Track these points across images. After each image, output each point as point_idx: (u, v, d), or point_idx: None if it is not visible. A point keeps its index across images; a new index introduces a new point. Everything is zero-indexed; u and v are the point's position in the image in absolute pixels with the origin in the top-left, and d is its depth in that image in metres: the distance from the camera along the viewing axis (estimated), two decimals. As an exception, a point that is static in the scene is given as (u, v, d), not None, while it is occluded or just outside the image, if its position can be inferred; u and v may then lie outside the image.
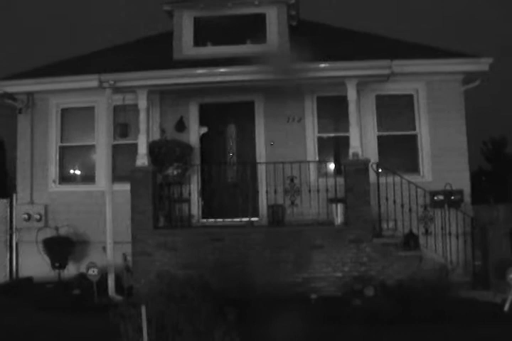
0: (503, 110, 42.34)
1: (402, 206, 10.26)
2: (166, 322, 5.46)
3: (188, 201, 11.26)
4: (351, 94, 10.32)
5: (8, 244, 12.61)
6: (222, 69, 10.55)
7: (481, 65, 11.43)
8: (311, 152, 11.89)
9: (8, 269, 12.54)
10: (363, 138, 11.45)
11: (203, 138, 12.25)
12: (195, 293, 6.04)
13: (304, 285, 9.78)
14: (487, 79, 12.09)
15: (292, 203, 10.88)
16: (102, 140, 11.98)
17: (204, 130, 12.25)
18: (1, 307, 9.88)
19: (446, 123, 11.73)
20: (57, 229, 11.86)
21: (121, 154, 11.86)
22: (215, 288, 8.29)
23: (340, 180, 10.40)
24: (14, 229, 12.57)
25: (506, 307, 8.35)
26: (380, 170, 10.66)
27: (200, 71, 10.57)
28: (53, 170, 12.62)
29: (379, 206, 10.38)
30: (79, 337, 7.49)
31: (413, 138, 11.90)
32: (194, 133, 12.20)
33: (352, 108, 10.31)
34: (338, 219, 10.28)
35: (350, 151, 10.20)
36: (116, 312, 5.83)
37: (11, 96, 12.63)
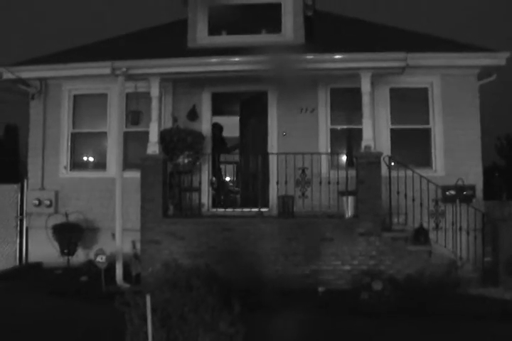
0: (519, 105, 42.06)
1: (413, 200, 10.19)
2: (171, 312, 5.44)
3: (199, 190, 11.23)
4: (365, 86, 10.22)
5: (18, 229, 12.64)
6: (235, 59, 10.45)
7: (498, 59, 11.31)
8: (324, 144, 11.82)
9: (17, 254, 12.59)
10: (376, 131, 11.35)
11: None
12: (202, 283, 6.00)
13: (312, 277, 9.75)
14: (504, 73, 11.98)
15: (303, 194, 10.82)
16: (113, 127, 11.94)
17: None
18: (10, 291, 9.90)
19: (460, 117, 11.63)
20: (67, 215, 11.88)
21: (133, 142, 11.87)
22: (222, 277, 8.26)
23: (352, 173, 10.34)
24: (24, 215, 12.60)
25: (515, 305, 8.30)
26: (392, 164, 10.61)
27: (213, 60, 10.48)
28: (65, 157, 12.63)
29: (390, 200, 10.32)
30: (85, 324, 7.50)
31: (426, 132, 11.80)
32: (206, 122, 12.16)
33: (366, 100, 10.23)
34: (349, 212, 10.23)
35: (363, 144, 10.12)
36: (122, 300, 5.81)
37: (25, 81, 12.63)
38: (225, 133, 13.82)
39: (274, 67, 10.30)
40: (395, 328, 7.37)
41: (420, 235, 9.89)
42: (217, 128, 13.06)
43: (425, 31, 13.22)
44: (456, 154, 11.49)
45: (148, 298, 5.24)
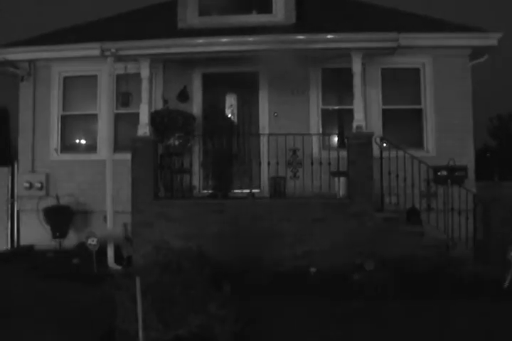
0: (511, 86, 41.96)
1: (405, 181, 10.16)
2: (162, 294, 5.43)
3: (190, 172, 11.18)
4: (356, 67, 10.15)
5: (9, 212, 12.62)
6: (224, 39, 10.33)
7: (490, 39, 11.31)
8: (315, 124, 11.80)
9: (9, 238, 12.58)
10: (368, 112, 11.34)
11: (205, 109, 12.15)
12: (192, 265, 6.00)
13: (304, 258, 9.73)
14: (495, 54, 11.95)
15: (294, 175, 10.80)
16: (104, 109, 11.85)
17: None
18: (2, 274, 9.90)
19: (452, 98, 11.63)
20: (58, 198, 11.86)
21: (123, 123, 11.81)
22: (213, 259, 8.27)
23: (344, 154, 10.32)
24: (15, 198, 12.56)
25: (506, 284, 8.32)
26: (383, 144, 10.57)
27: (201, 40, 10.37)
28: (55, 139, 12.58)
29: (382, 180, 10.32)
30: (76, 306, 7.49)
31: (418, 113, 11.80)
32: (197, 103, 12.10)
33: (357, 80, 10.17)
34: (340, 193, 10.23)
35: (354, 124, 10.08)
36: (113, 283, 5.81)
37: (13, 64, 12.53)
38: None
39: (263, 47, 10.24)
40: (387, 308, 7.39)
41: (412, 216, 9.91)
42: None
43: (417, 11, 13.15)
44: (448, 135, 11.48)
45: (138, 281, 5.23)
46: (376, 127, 11.34)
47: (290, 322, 6.86)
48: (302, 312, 7.25)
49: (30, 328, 6.60)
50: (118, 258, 10.12)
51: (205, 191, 11.49)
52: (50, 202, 11.94)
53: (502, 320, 6.95)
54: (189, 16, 12.49)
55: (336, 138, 11.99)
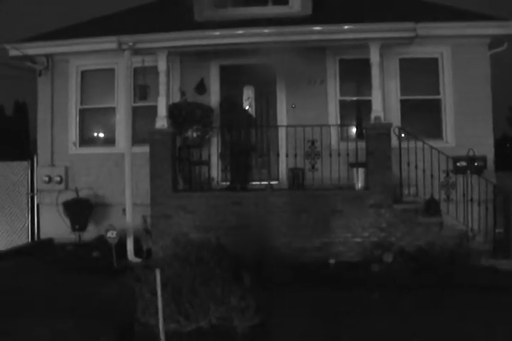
0: (531, 76, 41.51)
1: (424, 171, 10.11)
2: (182, 286, 5.45)
3: (208, 164, 11.18)
4: (374, 57, 10.11)
5: (29, 206, 12.71)
6: (240, 31, 10.32)
7: (509, 28, 11.15)
8: (333, 115, 11.74)
9: (29, 231, 12.68)
10: (386, 102, 11.26)
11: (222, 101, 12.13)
12: (212, 257, 6.02)
13: (323, 250, 9.74)
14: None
15: (312, 167, 10.79)
16: (121, 102, 11.90)
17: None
18: (23, 267, 9.97)
19: (471, 87, 11.50)
20: (77, 191, 11.91)
21: (141, 116, 11.81)
22: (232, 251, 8.28)
23: (362, 145, 10.30)
24: (35, 191, 12.65)
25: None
26: (402, 135, 10.52)
27: (218, 33, 10.35)
28: (73, 133, 12.62)
29: (400, 171, 10.26)
30: (96, 299, 7.52)
31: (437, 103, 11.70)
32: (214, 95, 12.08)
33: (375, 71, 10.13)
34: (359, 184, 10.21)
35: (372, 115, 10.05)
36: (133, 275, 5.84)
37: (31, 58, 12.58)
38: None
39: (280, 39, 10.21)
40: (406, 300, 7.34)
41: (431, 207, 9.84)
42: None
43: (435, 1, 13.02)
44: (466, 124, 11.38)
45: (158, 273, 5.25)
46: (394, 118, 11.26)
47: (306, 313, 6.85)
48: (320, 304, 7.23)
49: (51, 319, 6.64)
50: (137, 250, 10.15)
51: (224, 183, 11.47)
52: (70, 195, 11.99)
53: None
54: (205, 9, 12.44)
55: (354, 129, 11.93)
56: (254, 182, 11.04)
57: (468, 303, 7.15)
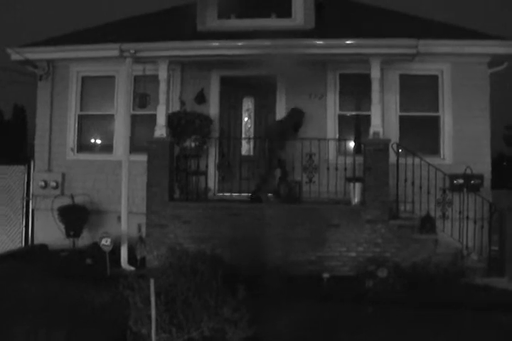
0: (530, 95, 41.63)
1: (421, 188, 10.13)
2: (176, 296, 5.43)
3: (205, 174, 11.19)
4: (375, 73, 10.15)
5: (24, 210, 12.68)
6: (241, 43, 10.38)
7: (509, 47, 11.20)
8: (332, 130, 11.74)
9: (23, 236, 12.64)
10: (385, 118, 11.27)
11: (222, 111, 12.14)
12: (207, 268, 6.00)
13: (318, 263, 9.73)
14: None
15: (310, 180, 10.79)
16: (121, 109, 11.89)
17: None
18: (15, 273, 9.89)
19: (469, 106, 11.53)
20: (72, 197, 11.88)
21: (140, 125, 11.84)
22: (227, 263, 8.26)
23: (360, 159, 10.32)
24: (31, 196, 12.61)
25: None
26: (400, 151, 10.53)
27: (219, 44, 10.40)
28: (71, 139, 12.59)
29: (397, 187, 10.27)
30: (88, 307, 7.48)
31: (435, 120, 11.71)
32: (214, 105, 12.09)
33: (375, 86, 10.17)
34: (355, 199, 10.21)
35: (371, 130, 10.08)
36: (126, 284, 5.81)
37: (32, 63, 12.58)
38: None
39: (282, 52, 10.24)
40: (399, 316, 7.33)
41: (427, 223, 9.84)
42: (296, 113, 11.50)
43: (437, 18, 13.10)
44: (464, 142, 11.40)
45: (152, 282, 5.23)
46: (393, 133, 11.28)
47: (300, 326, 6.83)
48: (315, 318, 7.21)
49: (41, 328, 6.59)
50: (131, 259, 10.12)
51: (221, 194, 11.49)
52: (65, 201, 11.95)
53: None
54: (208, 19, 12.49)
55: (352, 144, 11.94)
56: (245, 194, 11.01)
57: (462, 322, 7.13)
